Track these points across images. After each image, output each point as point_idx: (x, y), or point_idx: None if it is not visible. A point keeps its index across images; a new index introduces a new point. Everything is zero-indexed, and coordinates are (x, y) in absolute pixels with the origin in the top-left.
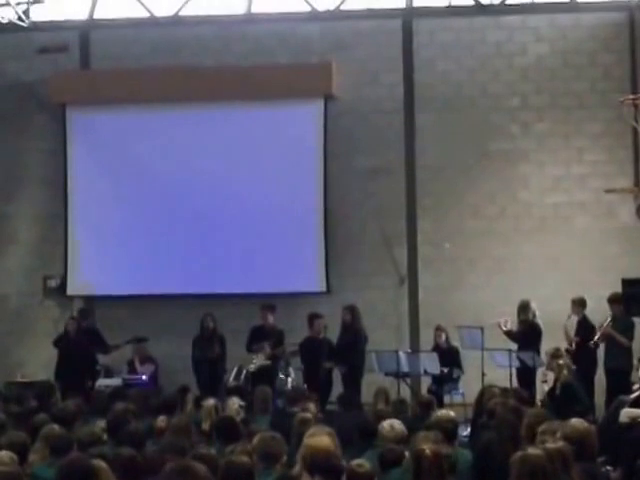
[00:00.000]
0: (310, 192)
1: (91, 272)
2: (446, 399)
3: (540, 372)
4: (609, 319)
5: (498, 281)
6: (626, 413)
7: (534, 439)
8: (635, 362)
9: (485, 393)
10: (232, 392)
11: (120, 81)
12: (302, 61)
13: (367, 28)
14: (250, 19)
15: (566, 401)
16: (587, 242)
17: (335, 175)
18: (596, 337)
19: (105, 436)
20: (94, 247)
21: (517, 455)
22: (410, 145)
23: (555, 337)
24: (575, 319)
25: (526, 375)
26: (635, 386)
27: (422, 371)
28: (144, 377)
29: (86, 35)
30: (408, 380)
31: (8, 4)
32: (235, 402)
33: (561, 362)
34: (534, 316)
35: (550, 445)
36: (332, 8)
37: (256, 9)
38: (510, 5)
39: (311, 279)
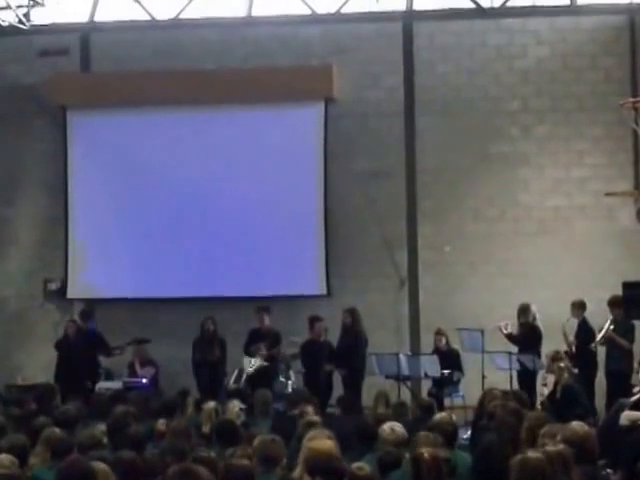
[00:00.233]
0: (310, 195)
1: (91, 275)
2: (446, 402)
3: (540, 375)
4: (609, 322)
5: (498, 284)
6: (626, 416)
7: (534, 442)
8: (636, 365)
9: (486, 396)
10: (232, 395)
11: (120, 84)
12: (303, 64)
13: (367, 31)
14: (251, 22)
15: (566, 404)
16: (587, 245)
17: (335, 178)
18: (597, 339)
19: (105, 439)
20: (94, 250)
21: (517, 458)
22: (410, 148)
23: (555, 340)
24: (574, 322)
25: (526, 378)
26: (636, 389)
27: (422, 374)
28: (144, 380)
29: (86, 38)
30: (408, 383)
31: (8, 7)
32: (236, 405)
33: (562, 365)
34: (534, 319)
35: (550, 448)
36: (333, 11)
37: (257, 12)
38: (510, 8)
39: (311, 282)
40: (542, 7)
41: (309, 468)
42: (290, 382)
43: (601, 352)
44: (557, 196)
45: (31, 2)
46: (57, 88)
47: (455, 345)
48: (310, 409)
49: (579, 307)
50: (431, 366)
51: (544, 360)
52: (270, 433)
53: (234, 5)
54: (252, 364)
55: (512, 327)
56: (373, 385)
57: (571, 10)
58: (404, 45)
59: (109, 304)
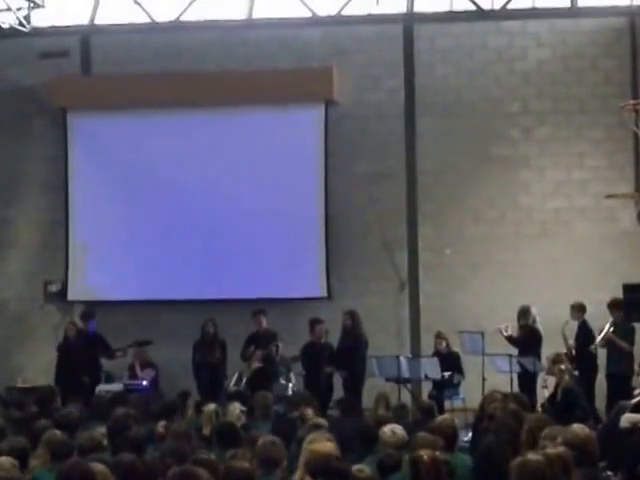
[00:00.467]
0: (311, 197)
1: (92, 277)
2: (447, 404)
3: (541, 377)
4: (609, 324)
5: (499, 286)
6: (627, 418)
7: (535, 444)
8: (636, 367)
9: (487, 398)
10: (233, 397)
11: (121, 86)
12: (303, 66)
13: (368, 33)
14: (251, 24)
15: (567, 406)
16: (588, 247)
17: (336, 180)
18: (597, 341)
19: (105, 442)
20: (95, 252)
21: (516, 461)
22: (411, 150)
23: (556, 342)
24: (573, 324)
25: (527, 380)
26: (636, 391)
27: (423, 376)
28: (145, 382)
29: (87, 40)
30: (409, 385)
31: (9, 9)
32: (236, 407)
33: (562, 367)
34: (534, 321)
35: (551, 450)
36: (333, 13)
37: (257, 14)
38: (511, 10)
39: (312, 284)
40: (542, 9)
41: (311, 470)
42: (290, 384)
43: (601, 354)
44: (558, 198)
45: (32, 4)
46: (58, 90)
47: (455, 348)
48: (310, 411)
49: (579, 309)
50: (431, 368)
51: (544, 362)
52: (270, 435)
53: (234, 7)
54: (250, 367)
55: (512, 329)
56: (373, 387)
57: (571, 12)
58: (404, 47)
59: (109, 306)
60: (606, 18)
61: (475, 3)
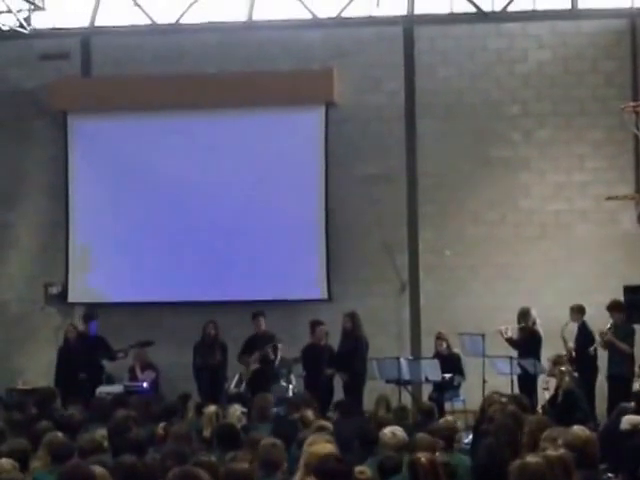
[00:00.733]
0: (311, 199)
1: (92, 279)
2: (447, 406)
3: (541, 379)
4: (609, 325)
5: (499, 288)
6: (627, 420)
7: (536, 446)
8: (637, 369)
9: (487, 400)
10: (233, 399)
11: (121, 88)
12: (303, 68)
13: (368, 35)
14: (251, 26)
15: (567, 408)
16: (588, 249)
17: (336, 182)
18: (596, 343)
19: (106, 443)
20: (95, 254)
21: (516, 463)
22: (411, 152)
23: (556, 344)
24: (573, 326)
25: (527, 382)
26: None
27: (423, 378)
28: (145, 384)
29: (87, 42)
30: (409, 387)
31: (9, 11)
32: (237, 409)
33: (563, 369)
34: (534, 323)
35: (551, 452)
36: (333, 15)
37: (257, 16)
38: (511, 12)
39: (312, 286)
40: (543, 11)
41: (314, 472)
42: (291, 386)
43: (602, 356)
44: (558, 200)
45: (32, 6)
46: (58, 92)
47: (456, 349)
48: (310, 413)
49: (578, 311)
50: (432, 370)
51: (545, 364)
52: (271, 437)
53: (235, 9)
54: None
55: (512, 331)
56: (374, 389)
57: (572, 14)
58: (405, 49)
59: (110, 308)
60: (607, 20)
61: (475, 5)
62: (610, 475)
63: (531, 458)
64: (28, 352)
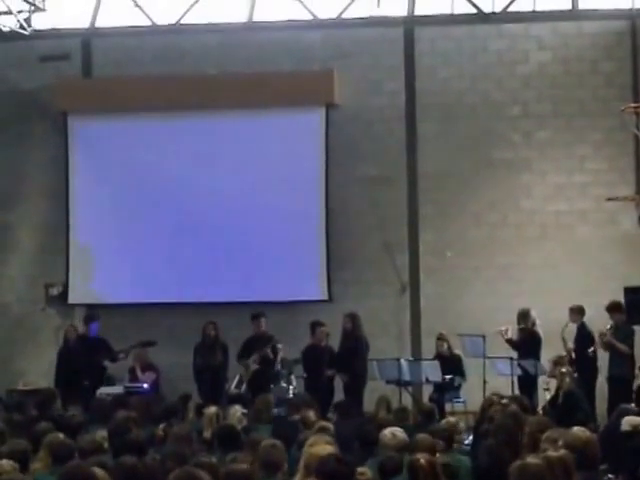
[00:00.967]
0: (312, 200)
1: (92, 280)
2: (447, 407)
3: (542, 380)
4: (609, 327)
5: (500, 289)
6: (628, 421)
7: (536, 447)
8: (637, 371)
9: (487, 401)
10: (234, 400)
11: (122, 89)
12: (304, 69)
13: (369, 36)
14: (252, 27)
15: (568, 409)
16: (588, 250)
17: (337, 183)
18: (596, 344)
19: (106, 444)
20: (96, 255)
21: (516, 464)
22: (412, 153)
23: (556, 345)
24: (573, 327)
25: (527, 383)
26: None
27: (424, 379)
28: (145, 385)
29: (88, 43)
30: (410, 388)
31: (10, 12)
32: (237, 410)
33: (563, 370)
34: (533, 324)
35: (552, 453)
36: (334, 16)
37: (258, 17)
38: (512, 13)
39: (313, 287)
40: (543, 12)
41: (315, 473)
42: (291, 387)
43: (602, 357)
44: (558, 201)
45: (32, 7)
46: (58, 93)
47: (457, 350)
48: (311, 414)
49: (577, 312)
50: (432, 371)
51: (545, 365)
52: (271, 438)
53: (235, 10)
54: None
55: (513, 332)
56: (374, 390)
57: (572, 15)
58: (405, 50)
59: (110, 309)
60: (607, 21)
61: (476, 6)
62: (610, 476)
63: (531, 459)
64: (28, 353)
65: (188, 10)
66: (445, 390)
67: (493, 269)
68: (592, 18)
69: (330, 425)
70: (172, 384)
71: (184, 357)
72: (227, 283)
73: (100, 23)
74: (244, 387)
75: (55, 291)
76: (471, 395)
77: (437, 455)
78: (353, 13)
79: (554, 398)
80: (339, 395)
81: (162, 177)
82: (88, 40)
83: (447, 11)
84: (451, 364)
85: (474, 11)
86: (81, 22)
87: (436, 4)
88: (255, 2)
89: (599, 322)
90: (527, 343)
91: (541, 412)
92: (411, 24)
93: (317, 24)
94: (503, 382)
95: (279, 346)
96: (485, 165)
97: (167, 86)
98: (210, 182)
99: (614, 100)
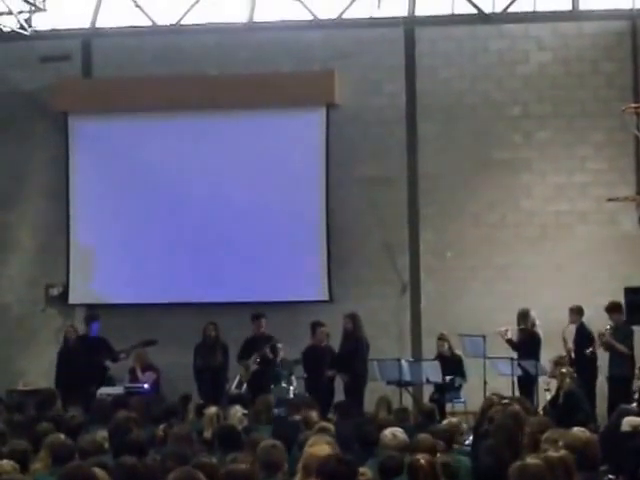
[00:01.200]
0: (312, 201)
1: (93, 281)
2: (448, 407)
3: (542, 380)
4: (608, 327)
5: (500, 289)
6: (628, 421)
7: (536, 448)
8: (637, 371)
9: (487, 401)
10: (234, 400)
11: (122, 89)
12: (304, 69)
13: (369, 36)
14: (252, 27)
15: (568, 410)
16: (589, 251)
17: (337, 183)
18: (595, 344)
19: (107, 445)
20: (96, 255)
21: (516, 465)
22: (412, 154)
23: (556, 346)
24: (573, 327)
25: (527, 383)
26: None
27: (424, 379)
28: (146, 385)
29: (88, 43)
30: (410, 389)
31: (10, 13)
32: (238, 410)
33: (564, 370)
34: (533, 325)
35: (552, 454)
36: (334, 16)
37: (258, 17)
38: (512, 13)
39: (313, 288)
40: (544, 12)
41: (317, 474)
42: (292, 387)
43: (602, 357)
44: (559, 202)
45: (33, 8)
46: (59, 93)
47: (458, 350)
48: (314, 414)
49: (577, 312)
50: (433, 372)
51: (546, 365)
52: (271, 439)
53: (236, 10)
54: (250, 370)
55: (512, 333)
56: (375, 390)
57: (573, 15)
58: (406, 51)
59: (110, 309)
60: (607, 21)
61: (476, 6)
62: (611, 477)
63: (531, 459)
64: (29, 354)
65: (188, 10)
66: (446, 390)
67: (493, 269)
68: (592, 18)
69: (330, 425)
70: (172, 384)
71: (184, 357)
72: (227, 283)
73: (100, 23)
74: (244, 387)
75: (55, 291)
76: (471, 395)
77: (437, 455)
78: (353, 13)
79: (554, 398)
80: (339, 395)
81: (162, 177)
82: (88, 40)
83: (447, 11)
84: (452, 364)
85: (474, 11)
86: (81, 22)
87: (436, 4)
88: (255, 2)
89: (599, 322)
90: (527, 344)
91: (541, 412)
92: (411, 24)
93: (317, 24)
94: (503, 382)
95: (279, 345)
96: (485, 165)
97: (167, 86)
98: (210, 182)
99: (614, 100)
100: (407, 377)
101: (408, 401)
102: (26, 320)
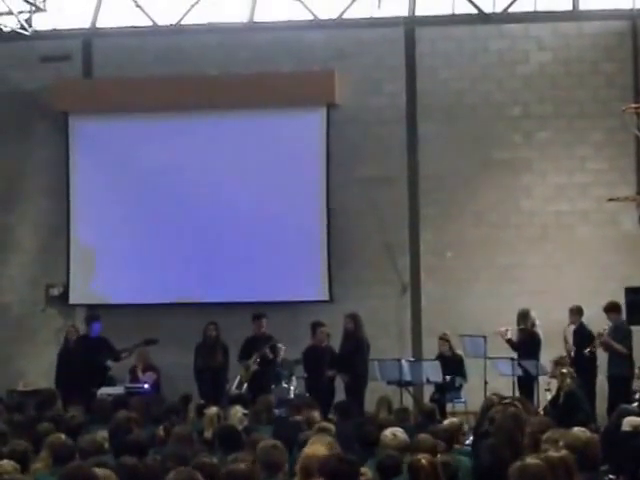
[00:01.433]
0: (313, 200)
1: (93, 281)
2: (448, 407)
3: (543, 380)
4: (606, 328)
5: (500, 290)
6: (629, 422)
7: (537, 448)
8: (637, 371)
9: (487, 401)
10: (235, 401)
11: (122, 89)
12: (305, 69)
13: (369, 37)
14: (253, 27)
15: (569, 410)
16: (589, 251)
17: (337, 184)
18: (593, 344)
19: (107, 445)
20: (96, 256)
21: (516, 465)
22: (412, 154)
23: (556, 346)
24: (573, 327)
25: (527, 383)
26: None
27: (425, 379)
28: (146, 385)
29: (89, 43)
30: (410, 389)
31: (11, 13)
32: (238, 411)
33: (564, 370)
34: (533, 325)
35: (552, 454)
36: (335, 17)
37: (259, 17)
38: (512, 13)
39: (314, 288)
40: (544, 13)
41: (318, 473)
42: (292, 388)
43: (601, 357)
44: (559, 202)
45: (33, 8)
46: (59, 94)
47: (459, 350)
48: (316, 414)
49: (576, 313)
50: (433, 372)
51: (547, 365)
52: (271, 439)
53: (236, 11)
54: (250, 371)
55: (513, 333)
56: (375, 390)
57: (573, 16)
58: (406, 51)
59: (111, 309)
60: (608, 21)
61: (477, 6)
62: (611, 477)
63: (531, 459)
64: (29, 354)
65: (189, 10)
66: (446, 390)
67: (493, 269)
68: (593, 18)
69: (331, 425)
70: (173, 384)
71: (185, 357)
72: (228, 284)
73: (101, 23)
74: (245, 387)
75: (56, 291)
76: (472, 395)
77: (438, 456)
78: (354, 13)
79: (555, 398)
80: (340, 395)
81: (163, 177)
82: (89, 40)
83: (448, 11)
84: (453, 364)
85: (475, 11)
86: (82, 22)
87: (437, 4)
88: (256, 2)
89: (600, 322)
90: (527, 344)
91: (542, 412)
92: (412, 24)
93: (318, 24)
94: (504, 382)
95: (279, 345)
96: (486, 165)
97: (168, 86)
98: (210, 182)
99: (615, 101)
100: (407, 377)
101: (408, 401)
102: (26, 320)
